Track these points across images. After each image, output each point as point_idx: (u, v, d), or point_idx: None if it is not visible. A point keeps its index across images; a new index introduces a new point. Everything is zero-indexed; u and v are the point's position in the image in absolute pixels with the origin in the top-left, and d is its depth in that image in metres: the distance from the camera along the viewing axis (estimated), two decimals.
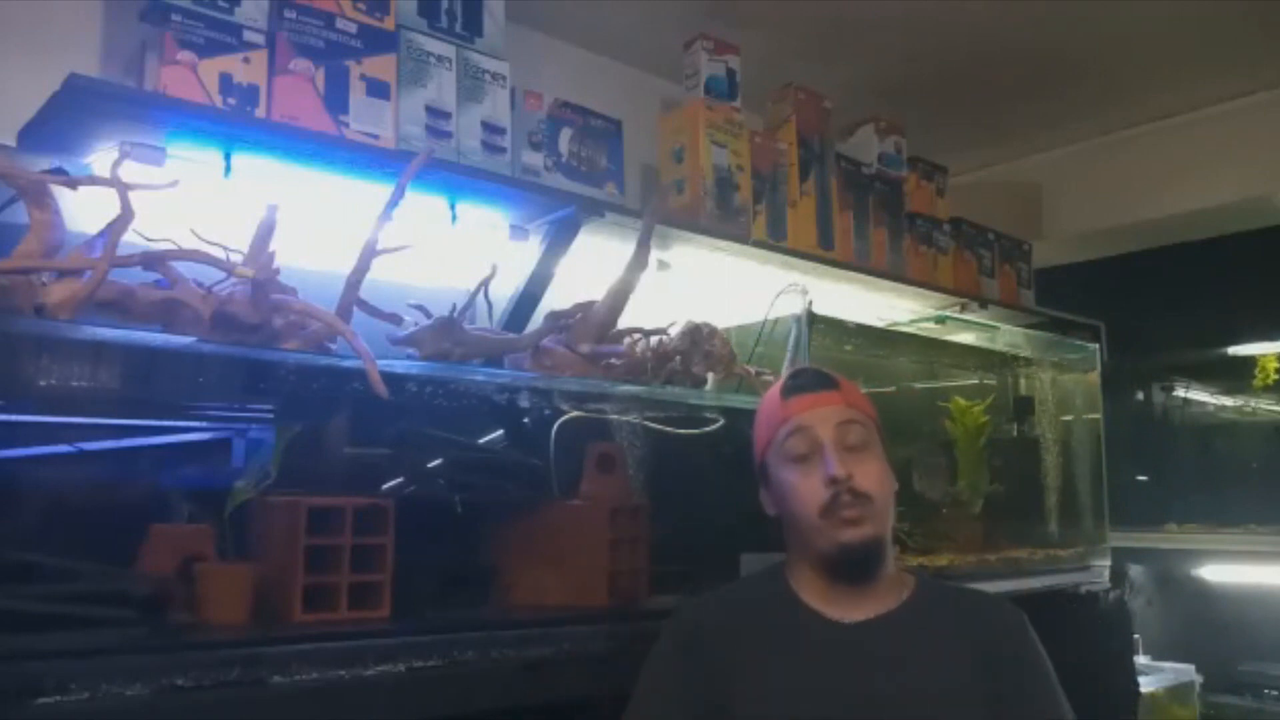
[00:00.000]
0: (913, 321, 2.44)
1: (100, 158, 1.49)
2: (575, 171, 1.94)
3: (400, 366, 1.47)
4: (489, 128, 1.79)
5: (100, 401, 1.43)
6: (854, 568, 1.29)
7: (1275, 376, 3.23)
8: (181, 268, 1.29)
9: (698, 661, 1.28)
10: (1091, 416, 2.76)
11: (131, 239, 1.23)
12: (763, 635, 1.28)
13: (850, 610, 1.29)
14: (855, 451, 1.29)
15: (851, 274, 2.37)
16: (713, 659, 1.27)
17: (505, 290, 1.88)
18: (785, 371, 1.85)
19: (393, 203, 1.42)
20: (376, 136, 1.64)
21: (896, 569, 1.36)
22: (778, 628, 1.29)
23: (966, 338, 2.63)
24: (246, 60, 1.52)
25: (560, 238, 1.87)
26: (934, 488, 2.44)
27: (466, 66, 1.78)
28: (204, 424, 1.59)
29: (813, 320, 1.97)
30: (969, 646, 1.26)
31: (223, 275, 1.30)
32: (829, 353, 2.05)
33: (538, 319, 1.80)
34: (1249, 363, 3.27)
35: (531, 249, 1.89)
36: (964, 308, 2.66)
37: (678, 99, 2.25)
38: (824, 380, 1.36)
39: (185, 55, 1.46)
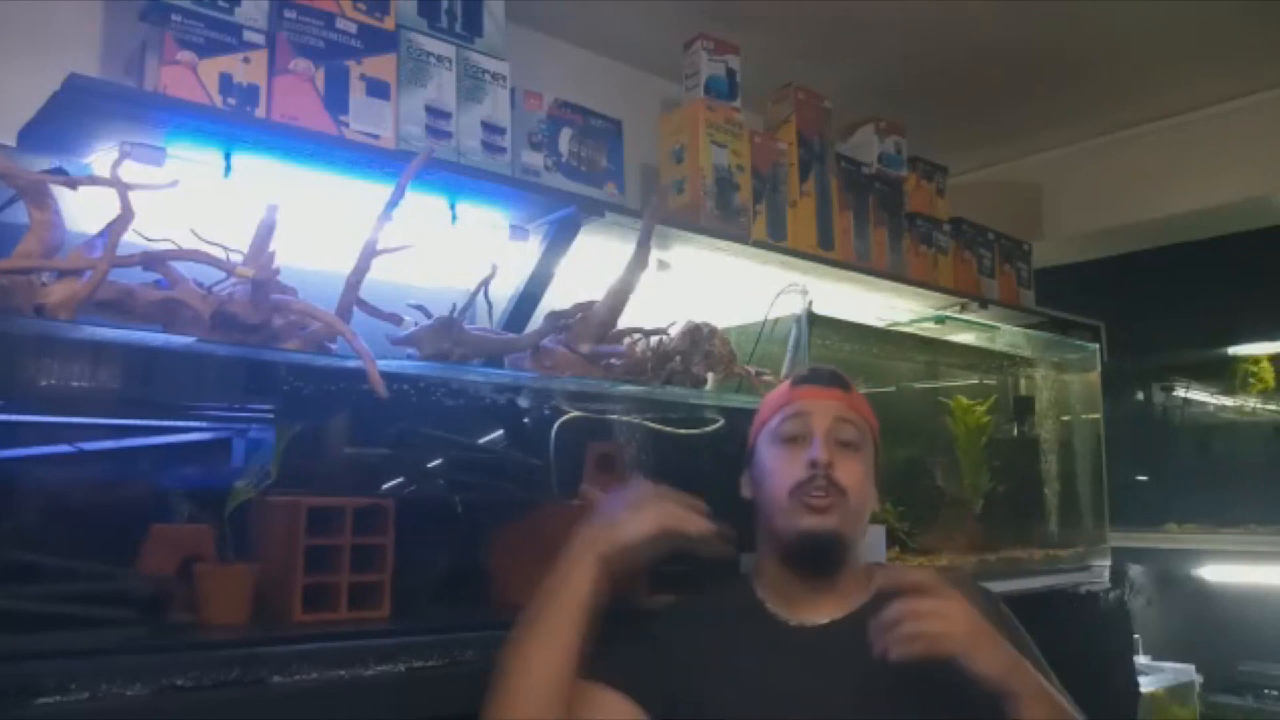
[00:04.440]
0: (913, 321, 2.44)
1: (100, 158, 1.49)
2: (575, 171, 1.94)
3: (400, 366, 1.47)
4: (489, 128, 1.79)
5: (100, 401, 1.43)
6: (811, 558, 1.28)
7: (1274, 380, 3.24)
8: (181, 268, 1.29)
9: None
10: (1091, 416, 2.76)
11: (131, 239, 1.23)
12: (723, 645, 1.28)
13: (812, 612, 1.28)
14: (845, 448, 1.30)
15: (851, 274, 2.36)
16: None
17: (505, 290, 1.88)
18: (785, 371, 1.85)
19: (392, 203, 1.42)
20: (376, 136, 1.64)
21: (864, 564, 1.35)
22: (739, 637, 1.29)
23: (966, 338, 2.63)
24: (246, 60, 1.52)
25: (560, 238, 1.87)
26: (954, 485, 2.45)
27: (466, 66, 1.78)
28: (204, 424, 1.59)
29: (813, 320, 1.97)
30: None
31: (223, 275, 1.30)
32: (829, 353, 2.05)
33: (538, 319, 1.79)
34: (1245, 363, 3.28)
35: (531, 249, 1.89)
36: (964, 308, 2.66)
37: (678, 99, 2.25)
38: (836, 379, 1.38)
39: (185, 55, 1.46)
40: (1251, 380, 3.29)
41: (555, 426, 1.84)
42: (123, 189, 1.20)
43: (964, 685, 1.19)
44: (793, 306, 2.00)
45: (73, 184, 1.22)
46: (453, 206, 1.75)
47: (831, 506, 1.26)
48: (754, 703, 1.21)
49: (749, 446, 1.40)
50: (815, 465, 1.26)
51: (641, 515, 1.24)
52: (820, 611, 1.28)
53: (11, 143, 1.44)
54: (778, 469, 1.30)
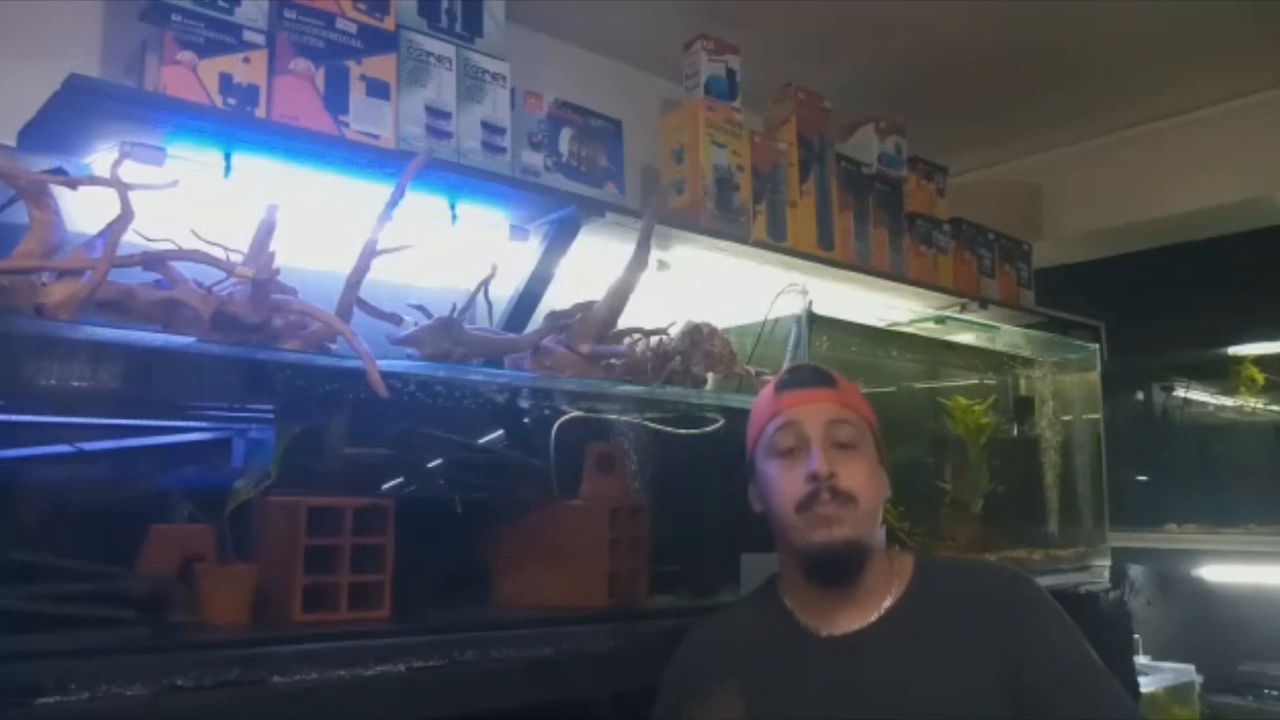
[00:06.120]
0: (913, 321, 2.44)
1: (100, 158, 1.49)
2: (575, 171, 1.94)
3: (400, 366, 1.47)
4: (489, 128, 1.79)
5: (100, 401, 1.43)
6: (830, 570, 1.25)
7: (1261, 381, 3.25)
8: (181, 268, 1.29)
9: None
10: (1091, 416, 2.76)
11: (131, 239, 1.23)
12: (758, 664, 1.27)
13: (841, 620, 1.26)
14: (844, 450, 1.26)
15: (851, 274, 2.37)
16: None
17: (505, 290, 1.88)
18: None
19: (393, 203, 1.42)
20: (376, 136, 1.64)
21: (892, 554, 1.33)
22: (772, 652, 1.27)
23: (966, 338, 2.63)
24: (246, 60, 1.52)
25: (560, 238, 1.87)
26: (955, 485, 2.45)
27: (466, 66, 1.78)
28: (204, 424, 1.59)
29: (813, 320, 1.97)
30: (974, 629, 1.21)
31: (223, 275, 1.30)
32: (829, 353, 2.05)
33: (538, 319, 1.80)
34: (1236, 363, 3.29)
35: (531, 249, 1.89)
36: (964, 308, 2.66)
37: (678, 99, 2.25)
38: (820, 377, 1.33)
39: (185, 55, 1.46)
40: (1232, 383, 3.31)
41: (555, 426, 1.84)
42: (123, 189, 1.20)
43: (991, 693, 1.18)
44: (793, 306, 1.99)
45: (73, 184, 1.22)
46: (453, 206, 1.75)
47: (842, 517, 1.22)
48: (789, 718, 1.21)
49: (748, 457, 1.36)
50: (816, 479, 1.22)
51: None
52: (849, 617, 1.26)
53: (11, 143, 1.44)
54: (780, 485, 1.26)
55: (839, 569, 1.25)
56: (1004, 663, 1.18)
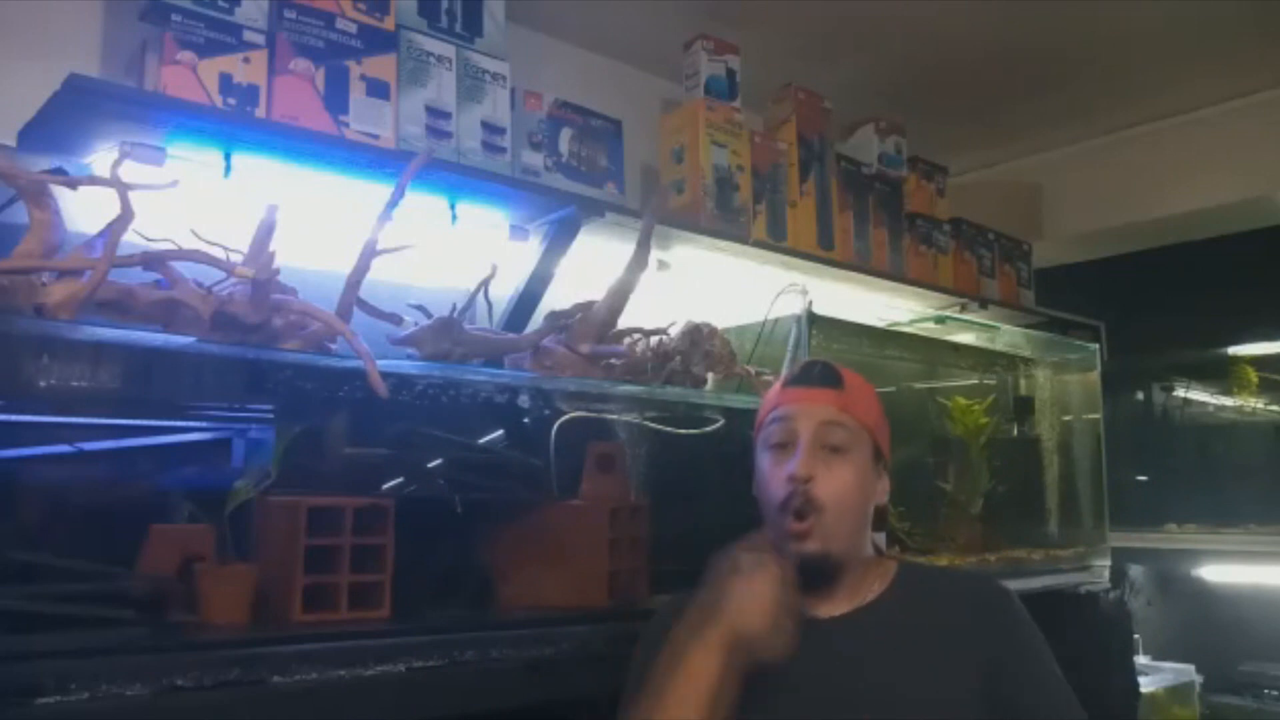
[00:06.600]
0: (913, 321, 2.44)
1: (100, 158, 1.49)
2: (575, 171, 1.94)
3: (400, 366, 1.47)
4: (489, 128, 1.79)
5: (100, 401, 1.43)
6: (802, 576, 1.26)
7: (1255, 380, 3.26)
8: (181, 268, 1.29)
9: None
10: (1091, 416, 2.76)
11: (131, 239, 1.23)
12: None
13: (821, 606, 1.27)
14: (833, 453, 1.26)
15: (851, 274, 2.37)
16: None
17: (505, 290, 1.88)
18: (785, 371, 1.85)
19: (393, 203, 1.42)
20: (376, 136, 1.64)
21: (877, 557, 1.34)
22: None
23: (966, 338, 2.63)
24: (246, 60, 1.52)
25: (560, 238, 1.87)
26: (955, 485, 2.45)
27: (466, 66, 1.78)
28: (204, 424, 1.59)
29: (813, 320, 1.97)
30: (949, 632, 1.23)
31: (223, 275, 1.30)
32: (829, 353, 2.05)
33: (538, 319, 1.80)
34: (1237, 363, 3.30)
35: (531, 249, 1.89)
36: (964, 308, 2.66)
37: (678, 99, 2.25)
38: (827, 377, 1.33)
39: (185, 55, 1.46)
40: (1230, 383, 3.31)
41: (555, 426, 1.84)
42: (123, 189, 1.20)
43: (988, 667, 1.19)
44: (793, 306, 2.00)
45: (73, 184, 1.22)
46: (453, 206, 1.75)
47: (810, 530, 1.23)
48: (767, 694, 1.21)
49: (754, 443, 1.38)
50: (794, 480, 1.24)
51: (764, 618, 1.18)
52: (827, 608, 1.28)
53: (11, 143, 1.44)
54: (767, 480, 1.29)
55: (808, 577, 1.26)
56: (988, 665, 1.20)
